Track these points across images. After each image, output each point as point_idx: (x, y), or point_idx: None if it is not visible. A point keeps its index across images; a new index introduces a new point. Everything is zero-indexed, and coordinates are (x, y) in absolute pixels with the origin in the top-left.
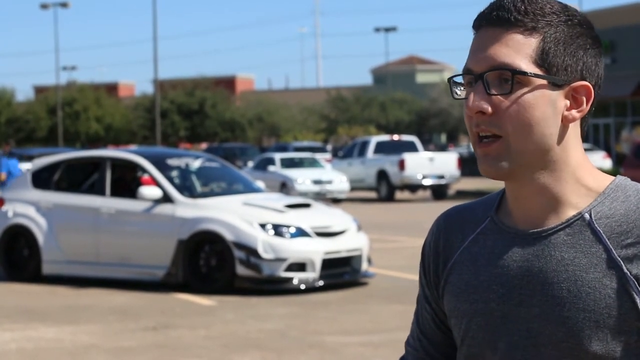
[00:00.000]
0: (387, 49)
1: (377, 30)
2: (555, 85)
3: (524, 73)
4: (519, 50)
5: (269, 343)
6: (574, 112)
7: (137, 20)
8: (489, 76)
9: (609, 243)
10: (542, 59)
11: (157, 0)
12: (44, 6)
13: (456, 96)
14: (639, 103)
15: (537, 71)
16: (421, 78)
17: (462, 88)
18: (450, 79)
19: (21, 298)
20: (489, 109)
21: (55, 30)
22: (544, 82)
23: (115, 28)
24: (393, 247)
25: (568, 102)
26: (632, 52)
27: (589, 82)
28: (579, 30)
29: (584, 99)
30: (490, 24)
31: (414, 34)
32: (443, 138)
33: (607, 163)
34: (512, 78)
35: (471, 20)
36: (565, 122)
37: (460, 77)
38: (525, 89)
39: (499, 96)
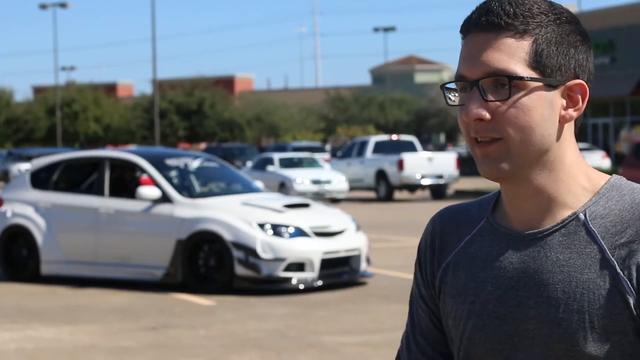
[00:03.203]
0: (386, 48)
1: (376, 30)
2: (551, 87)
3: (521, 78)
4: (513, 55)
5: (268, 343)
6: (570, 111)
7: (135, 20)
8: (484, 82)
9: (603, 243)
10: (537, 62)
11: (156, 0)
12: (43, 6)
13: (450, 102)
14: (638, 102)
15: (533, 74)
16: (420, 78)
17: (455, 94)
18: (442, 85)
19: (20, 298)
20: (487, 116)
21: (54, 31)
22: (540, 84)
23: (114, 28)
24: (392, 247)
25: (564, 102)
26: (631, 51)
27: (582, 79)
28: (568, 28)
29: (580, 97)
30: (479, 29)
31: (413, 34)
32: (442, 138)
33: (606, 163)
34: (510, 83)
35: None
36: (563, 121)
37: (453, 83)
38: (522, 93)
39: (496, 102)
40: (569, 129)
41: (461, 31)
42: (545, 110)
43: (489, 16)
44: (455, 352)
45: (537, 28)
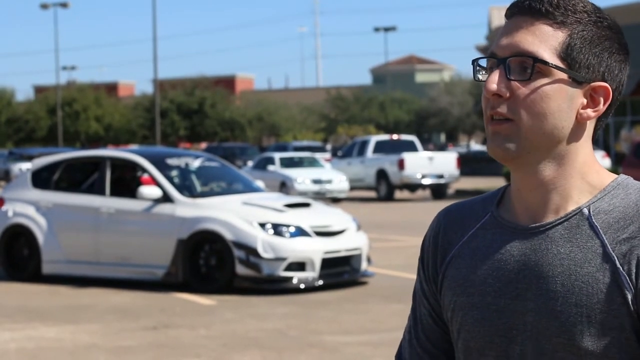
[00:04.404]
0: (387, 48)
1: (377, 29)
2: (575, 82)
3: (545, 63)
4: (545, 41)
5: (268, 342)
6: (589, 111)
7: (136, 20)
8: (512, 62)
9: (605, 238)
10: (566, 54)
11: (157, 0)
12: (44, 6)
13: (478, 79)
14: (638, 102)
15: (559, 64)
16: (420, 78)
17: (484, 72)
18: (474, 61)
19: (21, 298)
20: (507, 93)
21: (55, 30)
22: (564, 76)
23: (115, 28)
24: (392, 247)
25: (585, 101)
26: (632, 51)
27: (609, 84)
28: (607, 33)
29: (602, 99)
30: (521, 13)
31: (414, 34)
32: (442, 137)
33: (606, 162)
34: (533, 66)
35: (470, 20)
36: (580, 119)
37: (485, 60)
38: (545, 80)
39: (517, 82)
40: (587, 130)
41: (506, 14)
42: (563, 103)
43: (532, 1)
44: (455, 345)
45: (576, 23)
